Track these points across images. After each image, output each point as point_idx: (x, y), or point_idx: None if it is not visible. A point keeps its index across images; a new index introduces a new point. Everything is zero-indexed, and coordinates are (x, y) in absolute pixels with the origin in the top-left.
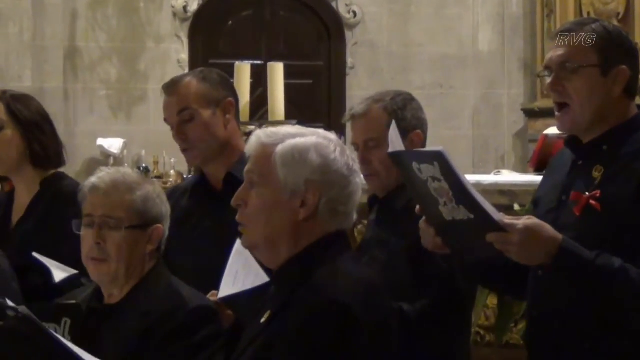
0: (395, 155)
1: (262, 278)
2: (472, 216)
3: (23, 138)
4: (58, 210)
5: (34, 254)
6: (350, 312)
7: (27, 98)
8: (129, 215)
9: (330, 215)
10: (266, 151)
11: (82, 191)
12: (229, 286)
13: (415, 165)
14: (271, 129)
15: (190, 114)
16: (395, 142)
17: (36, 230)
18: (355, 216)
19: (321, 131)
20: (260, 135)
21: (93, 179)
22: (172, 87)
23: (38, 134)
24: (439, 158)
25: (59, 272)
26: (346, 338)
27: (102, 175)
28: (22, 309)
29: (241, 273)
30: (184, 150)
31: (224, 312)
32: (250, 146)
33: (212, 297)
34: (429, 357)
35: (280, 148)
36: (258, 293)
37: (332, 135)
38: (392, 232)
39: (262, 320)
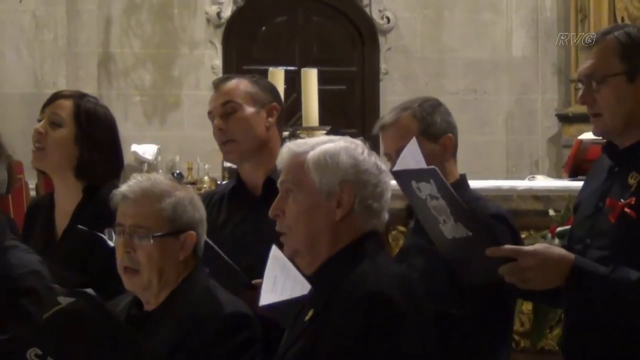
0: (396, 174)
1: (302, 281)
2: (470, 233)
3: (76, 144)
4: (104, 221)
5: (79, 227)
6: (394, 302)
7: (100, 112)
8: (158, 223)
9: (365, 213)
10: (298, 159)
11: (114, 200)
12: (269, 291)
13: (414, 184)
14: (299, 140)
15: (233, 106)
16: (407, 158)
17: (81, 247)
18: (387, 216)
19: (347, 137)
20: (290, 146)
21: (123, 188)
22: (222, 82)
23: (93, 147)
24: (433, 175)
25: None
26: (391, 328)
27: (132, 185)
28: (90, 291)
29: (280, 277)
30: (222, 144)
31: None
32: (282, 158)
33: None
34: None
35: (311, 154)
36: (299, 301)
37: (357, 140)
38: (430, 239)
39: (306, 318)
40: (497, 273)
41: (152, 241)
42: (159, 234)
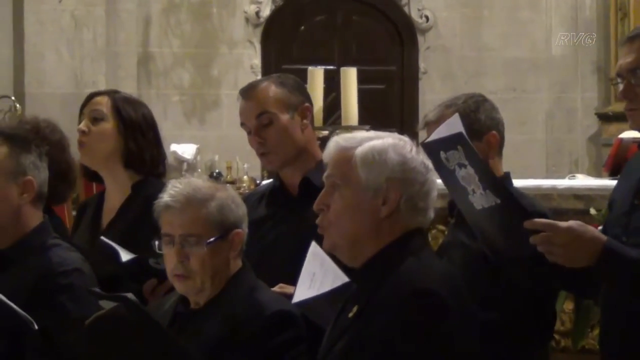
0: (426, 146)
1: (342, 278)
2: (498, 201)
3: (120, 135)
4: (149, 217)
5: (102, 238)
6: (440, 299)
7: (137, 102)
8: (208, 229)
9: (411, 211)
10: (346, 154)
11: (156, 209)
12: (304, 289)
13: (442, 154)
14: (347, 134)
15: (269, 117)
16: (444, 132)
17: (125, 237)
18: (432, 214)
19: (395, 134)
20: (338, 140)
21: (166, 198)
22: (249, 92)
23: (137, 136)
24: (461, 140)
25: (125, 254)
26: (437, 324)
27: (174, 194)
28: (130, 296)
29: (319, 274)
30: (261, 155)
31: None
32: (329, 152)
33: (279, 289)
34: None
35: (359, 150)
36: (333, 296)
37: (405, 137)
38: (471, 235)
39: (350, 315)
40: (528, 245)
41: (205, 249)
42: (211, 239)
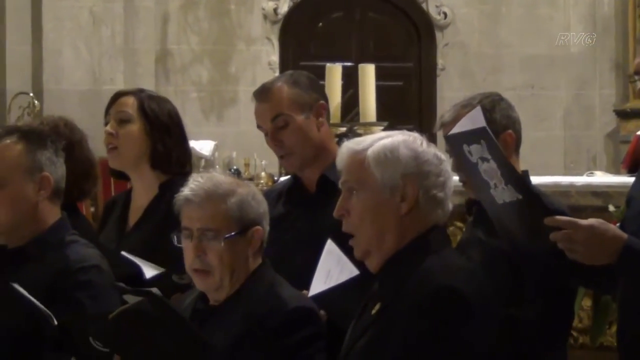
0: (448, 138)
1: (356, 273)
2: (520, 196)
3: (148, 136)
4: (175, 216)
5: (123, 253)
6: (463, 296)
7: (162, 99)
8: (226, 224)
9: (430, 203)
10: (358, 157)
11: (177, 203)
12: (320, 285)
13: (465, 147)
14: (357, 138)
15: (285, 120)
16: (466, 126)
17: (151, 237)
18: (451, 206)
19: (404, 131)
20: (348, 145)
21: (186, 191)
22: (263, 94)
23: (164, 136)
24: (484, 134)
25: (149, 269)
26: (459, 322)
27: (195, 187)
28: (155, 291)
29: (334, 271)
30: (281, 157)
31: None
32: (341, 158)
33: None
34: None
35: (371, 151)
36: (347, 289)
37: (414, 132)
38: (489, 232)
39: (373, 312)
40: (548, 241)
41: (222, 244)
42: (229, 235)
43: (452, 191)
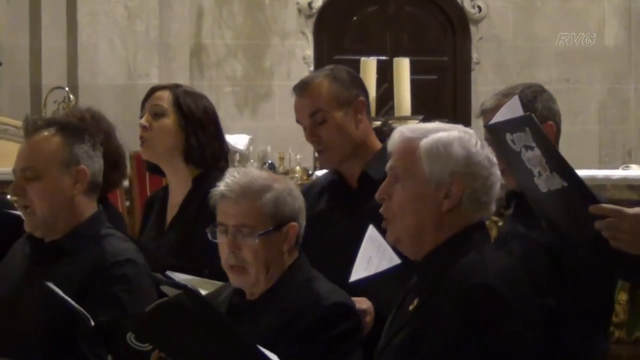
0: (491, 128)
1: (397, 261)
2: (565, 184)
3: (182, 130)
4: (209, 211)
5: (168, 273)
6: (500, 294)
7: (198, 95)
8: (261, 221)
9: (473, 205)
10: (410, 145)
11: (212, 198)
12: (361, 271)
13: (508, 136)
14: (413, 125)
15: (323, 116)
16: (505, 115)
17: (186, 233)
18: (494, 208)
19: (460, 126)
20: (403, 130)
21: (222, 187)
22: (303, 89)
23: (198, 131)
24: (529, 121)
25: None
26: (497, 320)
27: (230, 183)
28: (191, 285)
29: (375, 258)
30: (318, 152)
31: (364, 318)
32: (393, 142)
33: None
34: (565, 353)
35: (424, 142)
36: (389, 276)
37: (471, 130)
38: (529, 225)
39: (410, 308)
40: (592, 229)
41: (257, 240)
42: (263, 231)
43: (497, 196)
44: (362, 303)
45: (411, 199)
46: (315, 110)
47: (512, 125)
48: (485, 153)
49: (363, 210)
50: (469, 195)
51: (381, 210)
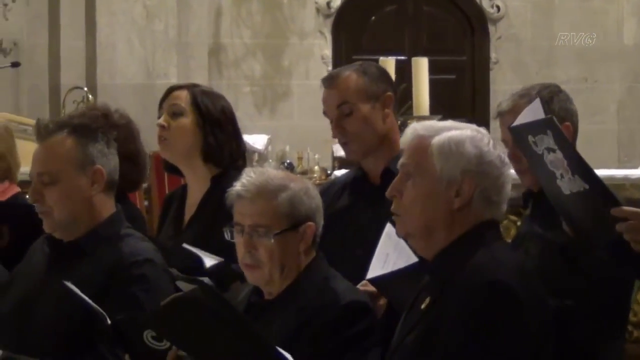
0: (513, 130)
1: (414, 259)
2: (587, 186)
3: (200, 129)
4: (227, 210)
5: (184, 245)
6: (512, 292)
7: (216, 95)
8: (277, 220)
9: (484, 204)
10: (423, 143)
11: (229, 198)
12: (378, 268)
13: (530, 138)
14: (426, 122)
15: (349, 107)
16: (528, 117)
17: (205, 232)
18: (505, 207)
19: (473, 125)
20: (416, 127)
21: (238, 187)
22: (331, 81)
23: (216, 130)
24: (550, 125)
25: (208, 260)
26: (509, 317)
27: (246, 183)
28: (207, 281)
29: (392, 255)
30: (343, 144)
31: (376, 302)
32: (406, 139)
33: (362, 287)
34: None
35: (436, 140)
36: (406, 274)
37: (483, 130)
38: (546, 226)
39: (422, 306)
40: (614, 231)
41: (272, 240)
42: (279, 231)
43: (508, 196)
44: (368, 286)
45: (422, 197)
46: (342, 102)
47: (534, 127)
48: (497, 152)
49: (385, 206)
50: (479, 194)
51: (392, 207)
